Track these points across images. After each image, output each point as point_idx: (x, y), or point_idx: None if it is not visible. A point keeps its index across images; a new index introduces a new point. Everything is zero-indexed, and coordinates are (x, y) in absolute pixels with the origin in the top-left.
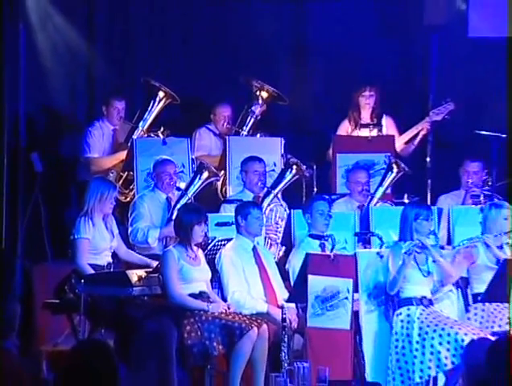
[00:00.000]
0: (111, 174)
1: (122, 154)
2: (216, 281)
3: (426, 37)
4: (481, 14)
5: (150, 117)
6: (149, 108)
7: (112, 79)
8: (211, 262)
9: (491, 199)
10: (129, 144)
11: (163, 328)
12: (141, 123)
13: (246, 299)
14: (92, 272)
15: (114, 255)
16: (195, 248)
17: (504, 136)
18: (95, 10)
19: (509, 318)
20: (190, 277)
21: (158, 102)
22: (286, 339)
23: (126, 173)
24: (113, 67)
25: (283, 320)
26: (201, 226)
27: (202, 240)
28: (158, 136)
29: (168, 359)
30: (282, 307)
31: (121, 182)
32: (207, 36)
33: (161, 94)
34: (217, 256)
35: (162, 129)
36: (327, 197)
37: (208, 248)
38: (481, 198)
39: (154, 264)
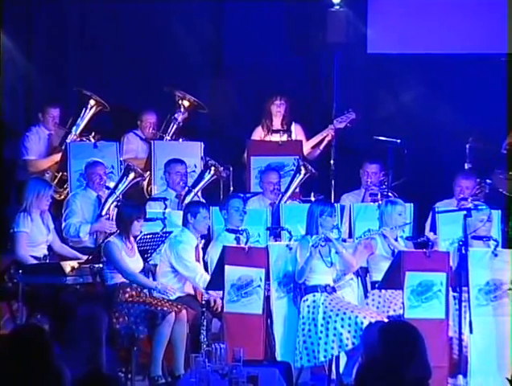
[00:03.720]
0: (47, 175)
1: (57, 157)
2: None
3: (329, 53)
4: (379, 32)
5: (82, 123)
6: (81, 115)
7: (47, 88)
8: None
9: (387, 197)
10: (63, 147)
11: (94, 313)
12: (74, 128)
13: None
14: (33, 261)
15: (50, 248)
16: (132, 240)
17: (399, 141)
18: (33, 27)
19: (402, 303)
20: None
21: (90, 109)
22: (205, 323)
23: (61, 173)
24: (48, 78)
25: (202, 306)
26: (140, 221)
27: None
28: (89, 140)
29: (98, 341)
30: (202, 294)
31: (56, 181)
32: (134, 50)
33: (92, 102)
34: (162, 249)
35: (93, 133)
36: (242, 195)
37: (136, 240)
38: (379, 196)
39: (84, 257)
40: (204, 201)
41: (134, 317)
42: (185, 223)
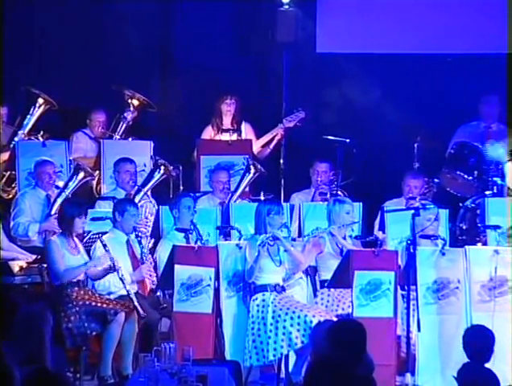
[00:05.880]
0: None
1: (5, 155)
2: None
3: (279, 52)
4: (328, 32)
5: (30, 122)
6: (29, 114)
7: None
8: (87, 253)
9: (336, 196)
10: (11, 146)
11: (35, 311)
12: (22, 127)
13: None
14: None
15: None
16: (76, 239)
17: (348, 140)
18: None
19: (351, 302)
20: (70, 265)
21: (38, 108)
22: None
23: (9, 172)
24: None
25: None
26: (81, 219)
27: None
28: (38, 139)
29: (40, 339)
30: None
31: (4, 180)
32: (83, 49)
33: (40, 101)
34: (93, 247)
35: (41, 132)
36: (192, 194)
37: (84, 240)
38: (328, 195)
39: (33, 256)
40: (153, 201)
41: (85, 315)
42: (113, 221)
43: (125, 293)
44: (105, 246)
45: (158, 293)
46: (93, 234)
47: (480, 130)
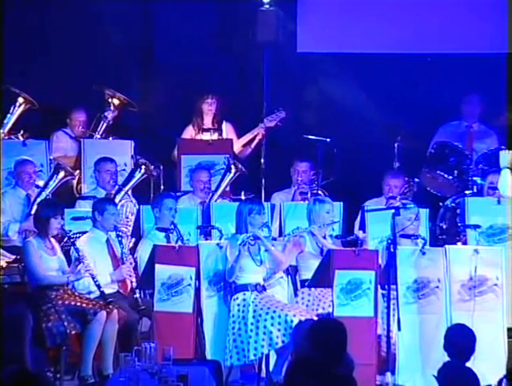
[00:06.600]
0: None
1: None
2: None
3: (259, 52)
4: (308, 31)
5: (10, 121)
6: (9, 113)
7: None
8: (67, 253)
9: (317, 196)
10: None
11: (16, 313)
12: (2, 126)
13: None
14: None
15: None
16: (52, 239)
17: (328, 140)
18: None
19: (331, 301)
20: (47, 267)
21: (18, 107)
22: None
23: None
24: None
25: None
26: (57, 219)
27: (58, 232)
28: (18, 138)
29: (21, 340)
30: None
31: None
32: (63, 48)
33: (21, 100)
34: (72, 248)
35: (22, 131)
36: (173, 194)
37: (64, 240)
38: (309, 194)
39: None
40: (134, 200)
41: (65, 314)
42: (93, 221)
43: (111, 291)
44: (78, 252)
45: (137, 295)
46: (74, 233)
47: (461, 130)
